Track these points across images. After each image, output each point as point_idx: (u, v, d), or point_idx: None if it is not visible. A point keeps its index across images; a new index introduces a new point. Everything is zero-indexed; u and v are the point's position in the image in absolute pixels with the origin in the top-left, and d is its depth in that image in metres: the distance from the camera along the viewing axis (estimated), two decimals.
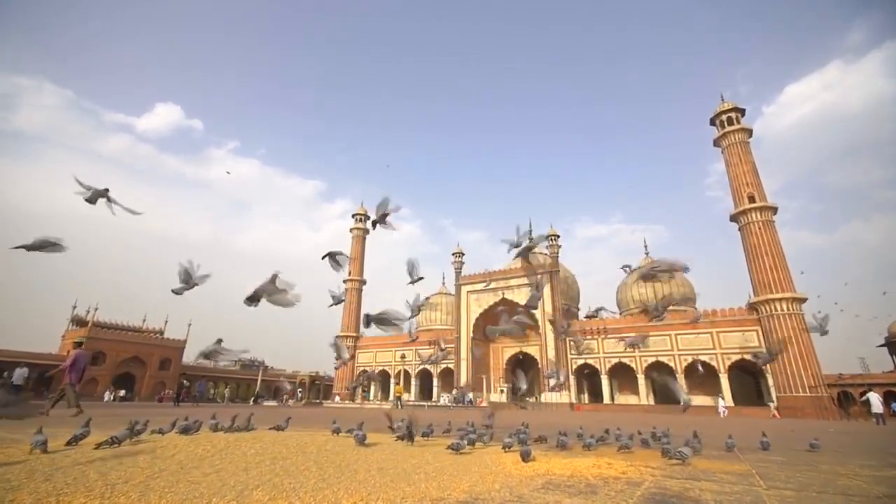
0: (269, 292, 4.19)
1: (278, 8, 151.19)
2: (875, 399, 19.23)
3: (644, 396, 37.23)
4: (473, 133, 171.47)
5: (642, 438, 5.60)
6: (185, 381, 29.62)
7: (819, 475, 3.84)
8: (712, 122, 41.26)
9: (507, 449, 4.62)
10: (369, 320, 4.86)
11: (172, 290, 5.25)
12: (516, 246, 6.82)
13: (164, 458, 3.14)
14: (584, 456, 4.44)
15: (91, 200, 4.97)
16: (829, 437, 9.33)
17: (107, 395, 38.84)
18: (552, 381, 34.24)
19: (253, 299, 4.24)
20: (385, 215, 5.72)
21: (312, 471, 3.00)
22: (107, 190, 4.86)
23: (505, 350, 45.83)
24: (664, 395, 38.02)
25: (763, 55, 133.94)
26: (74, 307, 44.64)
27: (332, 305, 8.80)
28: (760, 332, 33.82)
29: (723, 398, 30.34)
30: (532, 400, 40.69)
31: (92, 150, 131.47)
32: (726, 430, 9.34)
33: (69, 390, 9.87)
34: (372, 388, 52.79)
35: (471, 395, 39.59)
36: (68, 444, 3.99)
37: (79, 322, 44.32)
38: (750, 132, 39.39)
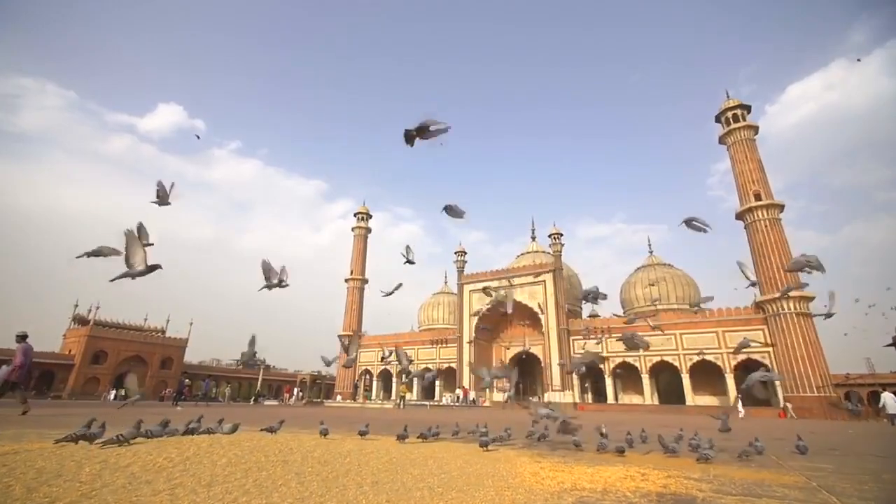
0: (433, 127, 3.83)
1: (280, 8, 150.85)
2: (890, 400, 18.60)
3: (648, 396, 36.63)
4: (475, 134, 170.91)
5: (689, 444, 5.04)
6: (186, 381, 29.20)
7: (889, 487, 3.30)
8: (717, 120, 40.61)
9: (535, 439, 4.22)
10: (410, 135, 4.15)
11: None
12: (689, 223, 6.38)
13: (114, 469, 2.60)
14: (610, 464, 3.89)
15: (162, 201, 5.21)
16: (856, 441, 8.78)
17: (112, 394, 38.68)
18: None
19: (409, 137, 3.89)
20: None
21: (292, 486, 2.45)
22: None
23: (507, 349, 45.27)
24: (668, 395, 37.45)
25: (766, 55, 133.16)
26: (76, 306, 44.41)
27: (386, 295, 9.43)
28: (767, 332, 33.23)
29: (741, 398, 29.65)
30: (535, 399, 40.12)
31: (95, 150, 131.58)
32: (746, 433, 8.77)
33: None
34: (374, 386, 52.29)
35: (473, 394, 39.03)
36: (57, 442, 3.54)
37: (80, 321, 44.01)
38: (756, 129, 38.73)
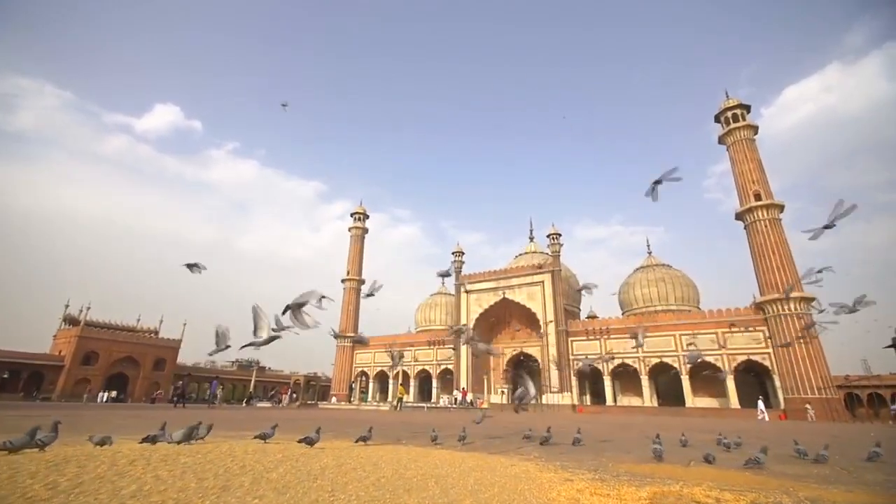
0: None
1: (278, 8, 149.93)
2: None
3: (648, 398, 36.01)
4: (474, 135, 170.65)
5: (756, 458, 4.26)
6: (179, 382, 28.31)
7: None
8: (717, 119, 40.19)
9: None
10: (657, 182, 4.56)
11: None
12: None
13: None
14: (662, 482, 3.15)
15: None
16: (885, 445, 8.08)
17: (102, 396, 37.73)
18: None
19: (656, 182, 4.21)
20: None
21: None
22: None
23: (505, 350, 44.49)
24: (667, 397, 36.81)
25: (763, 57, 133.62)
26: (67, 306, 43.51)
27: (367, 296, 11.52)
28: (767, 333, 32.70)
29: (762, 400, 28.93)
30: (533, 402, 39.34)
31: (93, 151, 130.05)
32: (773, 437, 8.07)
33: None
34: (370, 388, 51.35)
35: (471, 396, 38.28)
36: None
37: (71, 321, 43.15)
38: (756, 129, 38.35)
